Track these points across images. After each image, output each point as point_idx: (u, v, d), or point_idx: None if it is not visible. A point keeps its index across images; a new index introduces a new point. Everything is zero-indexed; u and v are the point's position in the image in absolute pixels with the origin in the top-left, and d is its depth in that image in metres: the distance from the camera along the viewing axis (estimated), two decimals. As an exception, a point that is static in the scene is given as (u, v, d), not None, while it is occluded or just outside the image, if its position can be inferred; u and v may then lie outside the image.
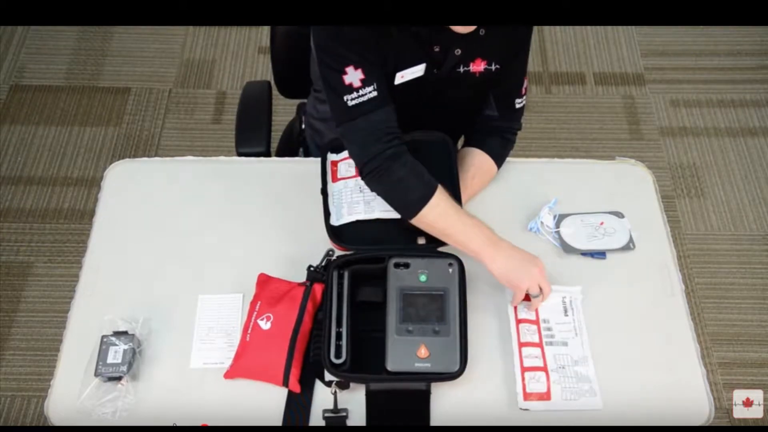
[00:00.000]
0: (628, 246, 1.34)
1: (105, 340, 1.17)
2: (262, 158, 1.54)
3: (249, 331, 1.18)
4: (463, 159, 1.41)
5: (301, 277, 1.25)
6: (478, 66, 1.29)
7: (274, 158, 1.60)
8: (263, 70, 2.74)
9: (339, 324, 1.17)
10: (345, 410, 1.13)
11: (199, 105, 2.64)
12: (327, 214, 1.31)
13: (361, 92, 1.18)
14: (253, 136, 1.62)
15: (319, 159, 1.39)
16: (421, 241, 1.29)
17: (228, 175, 1.46)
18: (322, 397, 1.15)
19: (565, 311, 1.25)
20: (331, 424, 1.12)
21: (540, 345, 1.21)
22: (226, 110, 2.62)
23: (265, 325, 1.18)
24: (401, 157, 1.21)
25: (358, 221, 1.29)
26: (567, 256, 1.33)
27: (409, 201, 1.21)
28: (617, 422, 1.15)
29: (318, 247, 1.29)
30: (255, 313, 1.20)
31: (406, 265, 1.22)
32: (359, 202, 1.30)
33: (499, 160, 1.42)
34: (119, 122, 2.59)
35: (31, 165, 2.47)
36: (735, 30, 2.89)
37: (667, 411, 1.17)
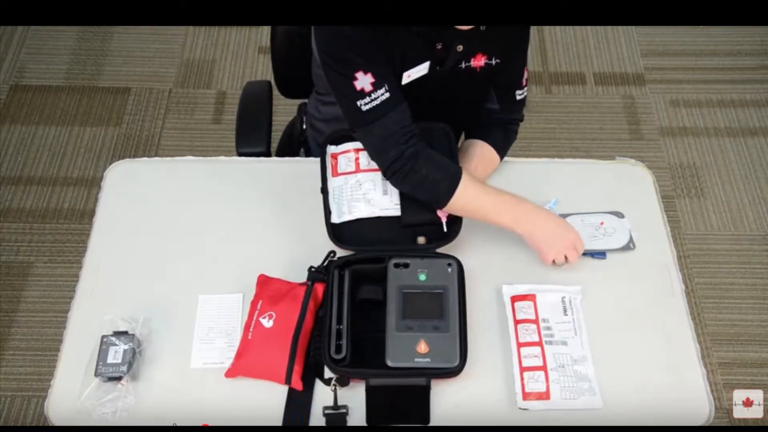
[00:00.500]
0: (629, 246, 1.34)
1: (105, 340, 1.18)
2: (262, 158, 1.54)
3: (251, 329, 1.18)
4: (465, 150, 1.42)
5: (301, 277, 1.25)
6: (479, 61, 1.29)
7: (274, 158, 1.60)
8: (263, 70, 2.74)
9: (339, 321, 1.18)
10: (345, 407, 1.13)
11: (199, 105, 2.64)
12: (327, 212, 1.31)
13: (373, 96, 1.19)
14: (253, 136, 1.62)
15: (319, 159, 1.39)
16: (421, 240, 1.30)
17: (228, 175, 1.46)
18: (322, 396, 1.16)
19: (565, 311, 1.25)
20: (331, 421, 1.12)
21: (539, 344, 1.21)
22: (226, 110, 2.62)
23: (267, 323, 1.18)
24: (421, 154, 1.22)
25: (358, 219, 1.29)
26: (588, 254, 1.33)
27: (438, 194, 1.24)
28: (617, 422, 1.15)
29: (318, 247, 1.29)
30: (257, 311, 1.20)
31: (406, 265, 1.23)
32: (359, 200, 1.30)
33: (501, 151, 1.43)
34: (119, 122, 2.59)
35: (31, 165, 2.47)
36: (735, 30, 2.89)
37: (667, 411, 1.17)
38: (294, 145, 1.75)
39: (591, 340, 1.23)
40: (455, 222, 1.29)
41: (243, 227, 1.37)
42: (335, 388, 1.13)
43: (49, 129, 2.56)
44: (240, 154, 1.57)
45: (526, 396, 1.16)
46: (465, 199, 1.24)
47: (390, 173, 1.24)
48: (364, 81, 1.18)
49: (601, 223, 1.36)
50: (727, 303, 2.21)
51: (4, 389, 2.01)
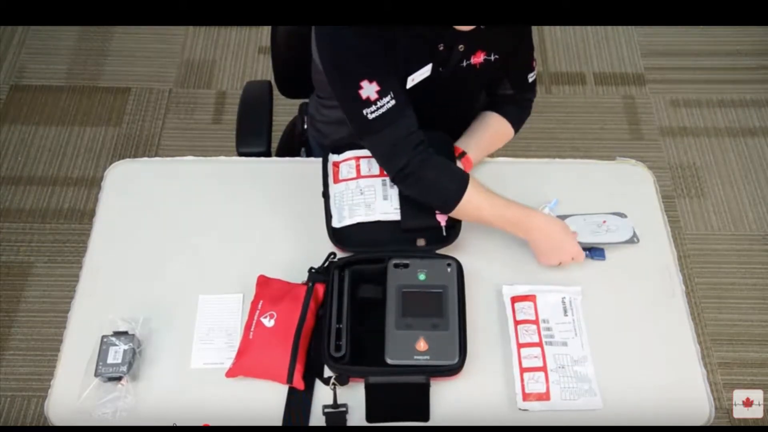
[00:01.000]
0: (632, 240, 1.34)
1: (105, 340, 1.18)
2: (262, 158, 1.54)
3: (252, 329, 1.18)
4: (481, 120, 1.44)
5: (301, 277, 1.25)
6: (479, 58, 1.30)
7: (274, 158, 1.60)
8: (263, 70, 2.74)
9: (339, 320, 1.18)
10: (345, 405, 1.13)
11: (199, 105, 2.64)
12: (329, 216, 1.31)
13: (379, 104, 1.18)
14: (253, 137, 1.62)
15: (319, 159, 1.39)
16: (421, 243, 1.30)
17: (228, 175, 1.46)
18: (322, 395, 1.16)
19: (565, 311, 1.25)
20: (331, 420, 1.12)
21: (540, 345, 1.21)
22: (226, 110, 2.62)
23: (268, 322, 1.18)
24: (429, 162, 1.23)
25: (359, 223, 1.30)
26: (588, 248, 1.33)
27: (445, 199, 1.25)
28: (617, 422, 1.15)
29: (318, 247, 1.30)
30: (258, 311, 1.20)
31: (406, 266, 1.23)
32: (360, 205, 1.31)
33: (516, 126, 1.45)
34: (119, 122, 2.59)
35: (31, 165, 2.47)
36: (735, 30, 2.88)
37: (667, 411, 1.17)
38: (295, 144, 1.75)
39: (591, 341, 1.23)
40: (454, 226, 1.30)
41: (243, 227, 1.37)
42: (334, 387, 1.13)
43: (49, 129, 2.56)
44: (240, 155, 1.57)
45: (526, 397, 1.16)
46: (472, 204, 1.24)
47: (399, 180, 1.25)
48: (369, 90, 1.18)
49: (603, 222, 1.36)
50: (727, 303, 2.21)
51: (4, 389, 2.01)
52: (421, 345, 1.15)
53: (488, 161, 1.52)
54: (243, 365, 1.17)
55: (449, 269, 1.23)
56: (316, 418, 1.14)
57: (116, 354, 1.16)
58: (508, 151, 1.50)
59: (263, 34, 2.82)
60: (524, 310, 1.25)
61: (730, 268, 2.29)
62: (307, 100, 1.72)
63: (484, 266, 1.31)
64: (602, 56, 2.83)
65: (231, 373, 1.17)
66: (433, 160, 1.24)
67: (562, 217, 1.36)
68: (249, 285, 1.25)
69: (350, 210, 1.31)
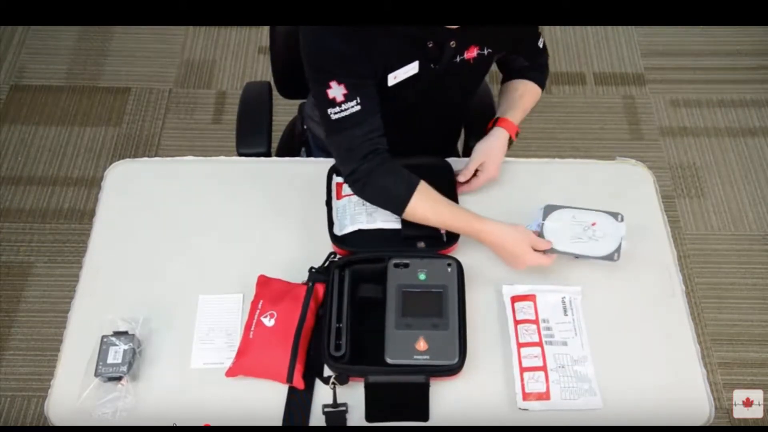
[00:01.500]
0: (611, 257, 1.26)
1: (105, 340, 1.18)
2: (262, 158, 1.54)
3: (252, 329, 1.18)
4: (507, 86, 1.47)
5: (301, 277, 1.25)
6: (472, 53, 1.31)
7: (274, 158, 1.60)
8: (263, 70, 2.74)
9: (339, 320, 1.18)
10: (344, 404, 1.13)
11: (199, 105, 2.64)
12: (330, 224, 1.32)
13: (343, 107, 1.21)
14: (253, 138, 1.62)
15: (319, 159, 1.40)
16: (421, 245, 1.30)
17: (228, 175, 1.46)
18: (322, 395, 1.16)
19: (565, 311, 1.25)
20: (331, 419, 1.12)
21: (540, 344, 1.21)
22: (226, 110, 2.61)
23: (269, 322, 1.18)
24: (378, 169, 1.25)
25: (360, 230, 1.31)
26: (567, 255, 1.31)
27: (393, 207, 1.27)
28: (617, 422, 1.15)
29: (318, 246, 1.30)
30: (258, 311, 1.20)
31: (406, 265, 1.23)
32: (362, 213, 1.32)
33: (542, 84, 1.48)
34: (119, 122, 2.59)
35: (31, 165, 2.47)
36: (735, 30, 2.88)
37: (667, 411, 1.17)
38: (295, 144, 1.75)
39: (591, 341, 1.23)
40: (454, 234, 1.30)
41: (243, 227, 1.37)
42: (334, 387, 1.13)
43: (49, 129, 2.56)
44: (240, 155, 1.57)
45: (526, 396, 1.16)
46: (418, 214, 1.25)
47: (350, 183, 1.28)
48: (336, 91, 1.20)
49: (593, 224, 1.30)
50: (727, 303, 2.21)
51: (4, 389, 2.01)
52: (421, 345, 1.15)
53: (488, 161, 1.52)
54: (243, 365, 1.17)
55: (449, 269, 1.23)
56: (316, 418, 1.14)
57: (116, 354, 1.16)
58: (508, 151, 1.50)
59: (263, 34, 2.82)
60: (524, 309, 1.25)
61: (730, 268, 2.29)
62: (305, 101, 1.72)
63: (484, 266, 1.31)
64: (602, 56, 2.83)
65: (231, 372, 1.17)
66: (384, 167, 1.25)
67: (552, 208, 1.30)
68: (249, 285, 1.25)
69: (352, 218, 1.32)
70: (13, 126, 2.56)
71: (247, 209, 1.40)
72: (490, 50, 1.32)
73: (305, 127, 1.70)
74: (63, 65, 2.74)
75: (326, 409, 1.12)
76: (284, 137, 1.83)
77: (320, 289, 1.23)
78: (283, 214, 1.39)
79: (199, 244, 1.34)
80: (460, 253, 1.29)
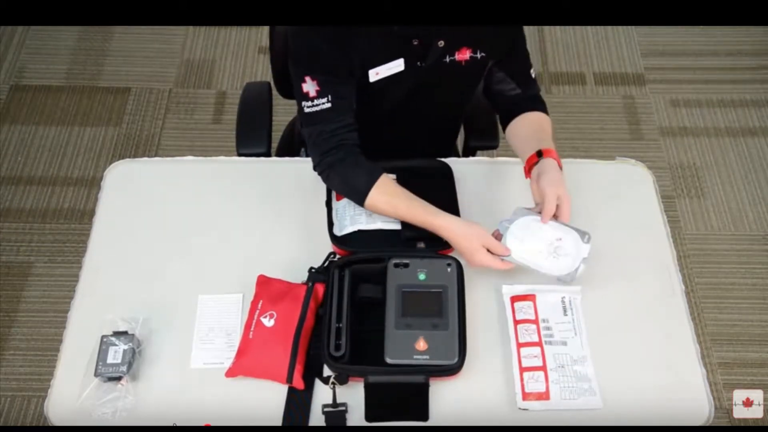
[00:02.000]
0: (564, 279, 1.24)
1: (105, 340, 1.18)
2: (262, 158, 1.54)
3: (252, 329, 1.18)
4: (521, 122, 1.44)
5: (301, 277, 1.25)
6: (464, 55, 1.31)
7: (274, 158, 1.60)
8: (263, 70, 2.74)
9: (339, 319, 1.18)
10: (344, 404, 1.13)
11: (199, 105, 2.64)
12: (330, 224, 1.33)
13: (315, 102, 1.26)
14: (253, 138, 1.62)
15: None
16: (421, 245, 1.30)
17: (228, 175, 1.46)
18: (322, 395, 1.16)
19: (565, 311, 1.25)
20: (331, 419, 1.12)
21: (539, 344, 1.21)
22: (226, 110, 2.62)
23: (268, 322, 1.18)
24: (343, 162, 1.28)
25: (359, 231, 1.31)
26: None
27: (356, 193, 1.29)
28: (617, 422, 1.15)
29: (318, 247, 1.30)
30: (258, 311, 1.20)
31: (406, 265, 1.23)
32: (362, 214, 1.32)
33: (545, 110, 1.48)
34: (119, 122, 2.59)
35: (31, 165, 2.47)
36: (735, 30, 2.88)
37: (667, 411, 1.17)
38: (294, 144, 1.75)
39: (591, 340, 1.23)
40: None
41: (243, 227, 1.37)
42: (334, 387, 1.13)
43: (49, 129, 2.56)
44: (240, 155, 1.57)
45: (525, 396, 1.16)
46: (379, 207, 1.27)
47: (318, 172, 1.31)
48: (310, 86, 1.25)
49: (558, 239, 1.24)
50: (727, 303, 2.21)
51: (4, 389, 2.01)
52: (421, 345, 1.15)
53: (489, 162, 1.52)
54: (243, 365, 1.17)
55: (449, 269, 1.23)
56: (316, 418, 1.13)
57: (116, 354, 1.16)
58: (508, 151, 1.50)
59: (263, 34, 2.82)
60: (524, 309, 1.25)
61: (730, 268, 2.29)
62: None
63: (484, 266, 1.31)
64: (602, 56, 2.83)
65: (231, 372, 1.17)
66: (348, 160, 1.28)
67: (524, 211, 1.26)
68: (249, 285, 1.25)
69: (352, 219, 1.32)
70: (13, 126, 2.56)
71: (247, 209, 1.40)
72: (483, 54, 1.32)
73: (305, 127, 1.70)
74: (63, 65, 2.74)
75: (326, 409, 1.12)
76: (284, 137, 1.83)
77: (320, 289, 1.23)
78: (283, 215, 1.39)
79: (198, 244, 1.34)
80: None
